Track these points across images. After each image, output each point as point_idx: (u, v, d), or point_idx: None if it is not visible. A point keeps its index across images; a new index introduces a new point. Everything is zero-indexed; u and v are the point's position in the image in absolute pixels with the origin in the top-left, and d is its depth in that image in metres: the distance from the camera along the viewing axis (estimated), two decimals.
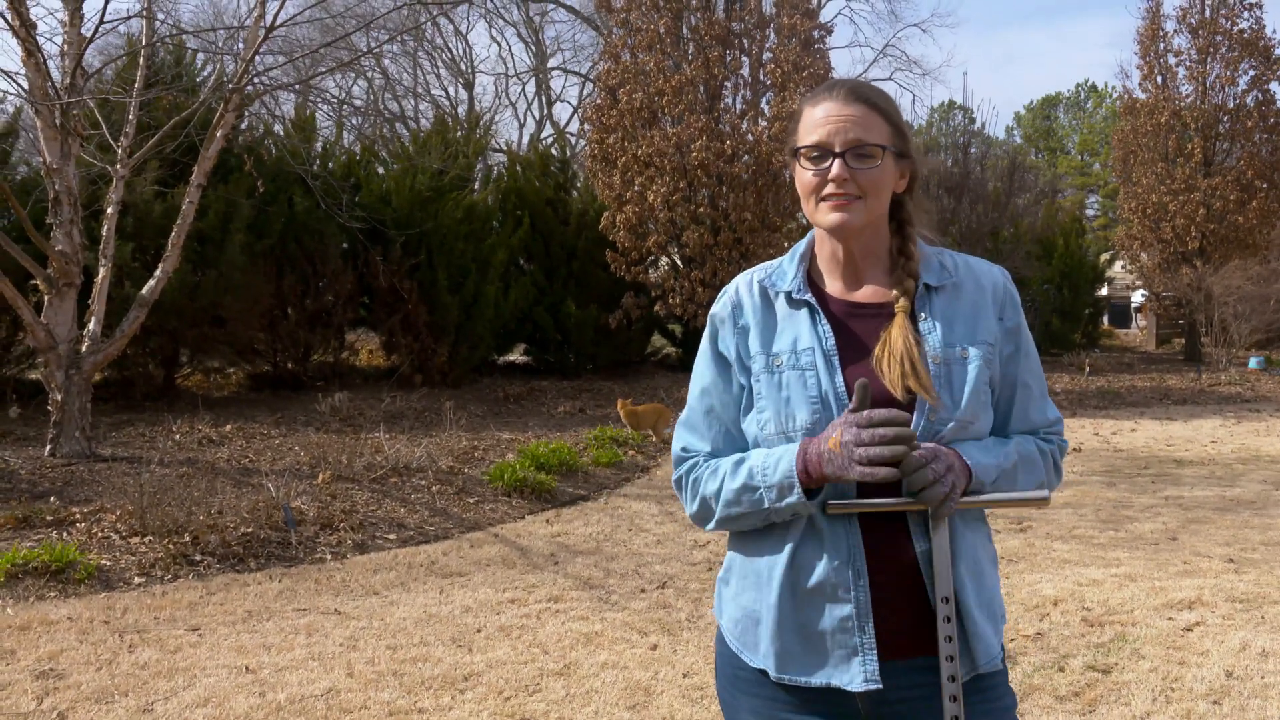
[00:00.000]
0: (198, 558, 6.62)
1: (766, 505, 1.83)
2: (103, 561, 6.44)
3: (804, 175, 1.91)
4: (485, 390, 15.83)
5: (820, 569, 1.83)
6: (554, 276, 17.95)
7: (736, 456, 1.92)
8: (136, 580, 6.26)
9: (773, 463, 1.82)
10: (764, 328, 1.94)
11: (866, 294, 1.95)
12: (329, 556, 6.93)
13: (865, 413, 1.75)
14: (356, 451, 9.69)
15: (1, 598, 5.84)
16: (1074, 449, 11.40)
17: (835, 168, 1.86)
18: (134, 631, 5.33)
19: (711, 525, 1.94)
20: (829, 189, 1.87)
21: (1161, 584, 5.98)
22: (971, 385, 1.86)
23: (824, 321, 1.91)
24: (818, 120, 1.89)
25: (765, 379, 1.90)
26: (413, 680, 4.65)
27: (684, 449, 2.01)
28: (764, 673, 1.89)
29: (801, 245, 2.03)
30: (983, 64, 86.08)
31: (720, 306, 2.01)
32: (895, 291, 1.91)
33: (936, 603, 1.80)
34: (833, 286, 1.97)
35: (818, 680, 1.84)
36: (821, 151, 1.87)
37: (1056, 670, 4.65)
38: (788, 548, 1.86)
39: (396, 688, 4.56)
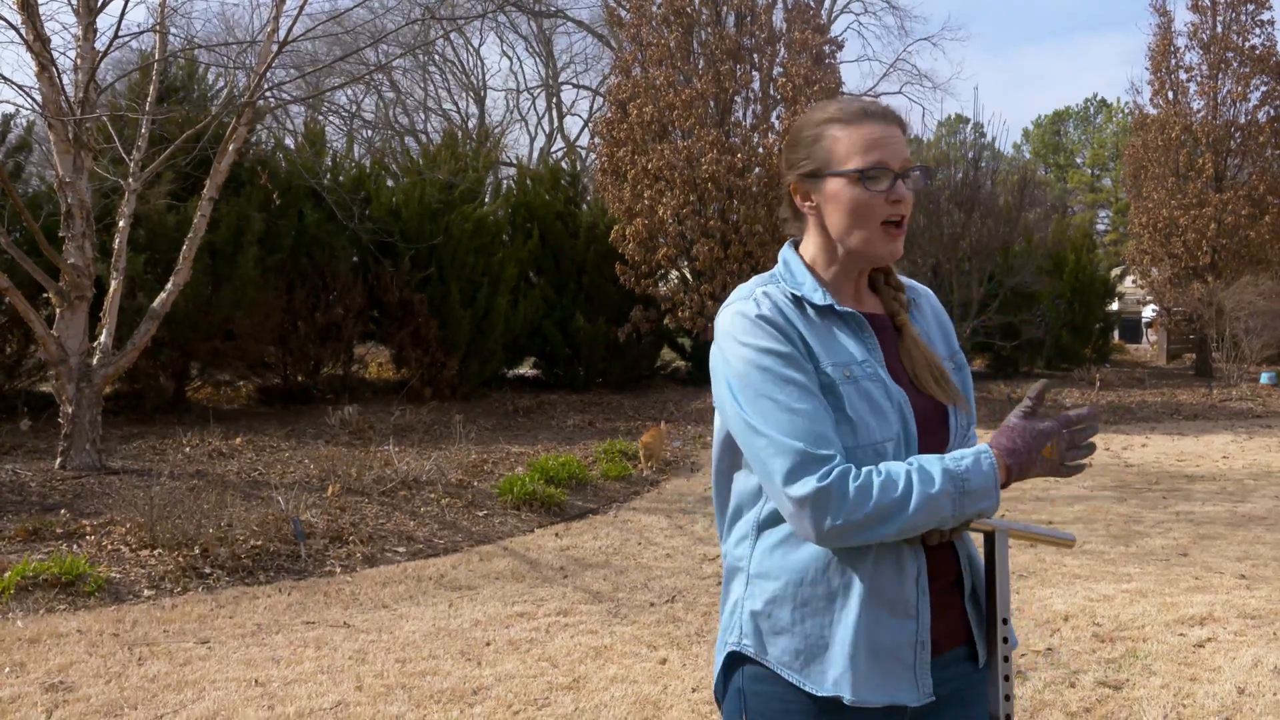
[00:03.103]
0: (207, 570, 6.63)
1: (953, 511, 1.75)
2: (112, 574, 6.46)
3: (860, 197, 1.86)
4: (494, 404, 15.85)
5: (896, 587, 1.83)
6: (564, 290, 17.98)
7: (901, 466, 1.77)
8: (146, 593, 6.27)
9: (971, 464, 1.76)
10: (816, 338, 1.87)
11: (872, 308, 1.98)
12: (338, 569, 6.93)
13: (1074, 414, 1.83)
14: (366, 464, 9.70)
15: (11, 610, 5.85)
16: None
17: (900, 189, 1.86)
18: (143, 644, 5.34)
19: (883, 533, 1.75)
20: (893, 212, 1.86)
21: (1173, 599, 5.95)
22: (967, 391, 1.99)
23: (871, 334, 1.91)
24: (868, 141, 1.86)
25: (842, 389, 1.83)
26: (421, 694, 4.64)
27: (806, 452, 1.77)
28: (829, 700, 1.82)
29: (792, 258, 1.98)
30: (994, 81, 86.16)
31: (768, 310, 1.87)
32: (895, 305, 1.96)
33: (996, 622, 1.86)
34: (844, 301, 1.96)
35: (884, 699, 1.82)
36: (883, 172, 1.85)
37: (1067, 686, 4.63)
38: (868, 566, 1.82)
39: (405, 701, 4.55)
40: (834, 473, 1.74)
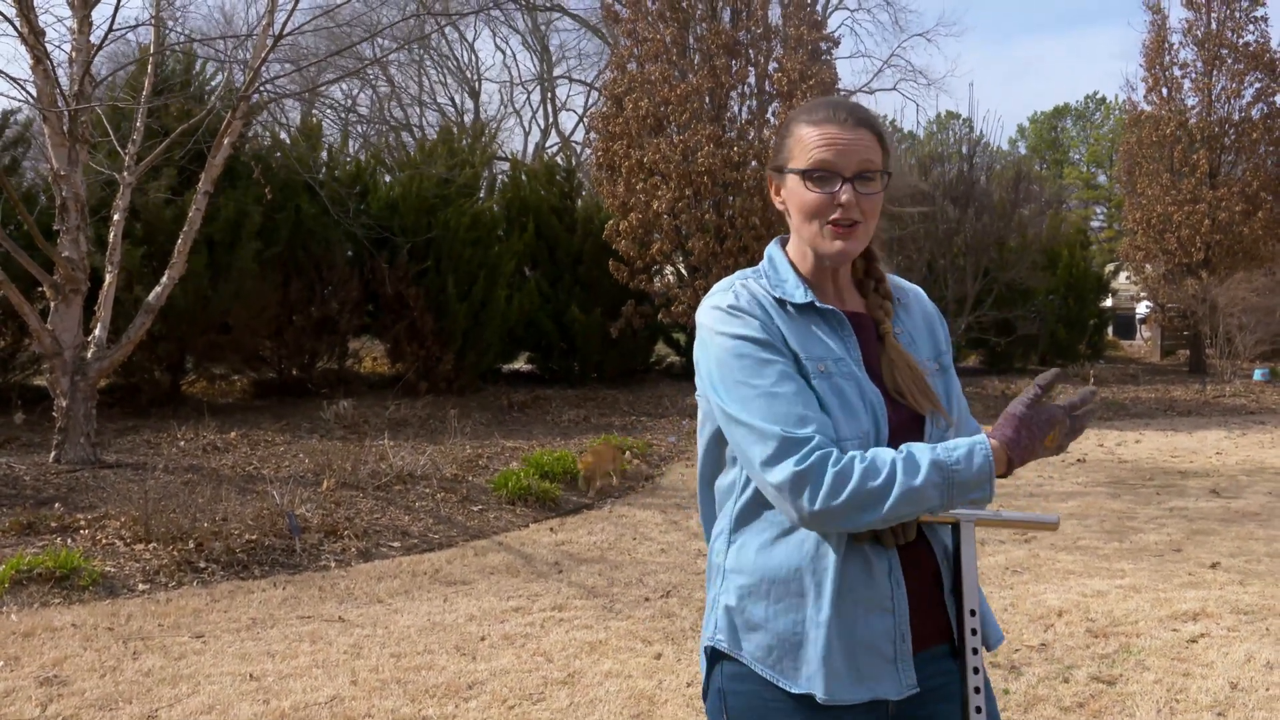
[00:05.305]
0: (202, 565, 6.63)
1: (941, 501, 1.74)
2: (107, 568, 6.45)
3: (806, 196, 1.89)
4: (489, 398, 15.83)
5: (868, 582, 1.82)
6: (559, 284, 17.95)
7: (889, 454, 1.75)
8: (141, 587, 6.27)
9: (963, 455, 1.74)
10: (794, 333, 1.88)
11: (853, 306, 1.99)
12: (333, 564, 6.93)
13: (1079, 398, 1.85)
14: (361, 459, 9.69)
15: (6, 604, 5.85)
16: (1078, 460, 11.38)
17: (846, 193, 1.85)
18: (138, 638, 5.34)
19: (866, 520, 1.73)
20: (837, 214, 1.86)
21: (1166, 595, 5.97)
22: (953, 393, 2.00)
23: (850, 332, 1.92)
24: (819, 141, 1.87)
25: (815, 383, 1.84)
26: (416, 688, 4.65)
27: (784, 436, 1.76)
28: (806, 696, 1.82)
29: (778, 255, 1.99)
30: (992, 75, 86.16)
31: (745, 302, 1.89)
32: (880, 314, 1.96)
33: (964, 613, 1.84)
34: (825, 298, 1.96)
35: (863, 696, 1.81)
36: (828, 174, 1.87)
37: (1061, 681, 4.64)
38: (833, 562, 1.82)
39: (400, 695, 4.56)
40: (813, 456, 1.73)
